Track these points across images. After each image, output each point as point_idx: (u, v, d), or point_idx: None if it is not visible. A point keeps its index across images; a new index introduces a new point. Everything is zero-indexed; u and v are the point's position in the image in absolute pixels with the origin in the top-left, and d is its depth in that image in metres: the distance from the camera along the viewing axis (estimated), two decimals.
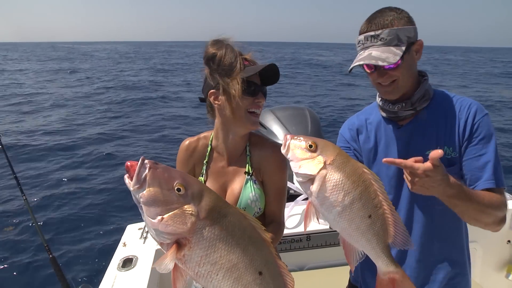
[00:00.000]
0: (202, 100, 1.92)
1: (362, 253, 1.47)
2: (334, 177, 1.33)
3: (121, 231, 3.32)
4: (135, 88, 25.05)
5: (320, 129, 3.41)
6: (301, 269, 3.28)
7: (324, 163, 1.34)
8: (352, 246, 1.46)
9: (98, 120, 15.58)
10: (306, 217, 1.39)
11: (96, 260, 5.56)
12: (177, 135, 13.07)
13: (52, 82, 28.76)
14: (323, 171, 1.33)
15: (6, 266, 5.73)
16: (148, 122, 15.45)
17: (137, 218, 3.61)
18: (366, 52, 1.65)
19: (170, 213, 1.16)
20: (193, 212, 1.18)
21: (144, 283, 2.55)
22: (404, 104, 1.72)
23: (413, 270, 1.82)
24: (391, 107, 1.75)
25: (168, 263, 1.17)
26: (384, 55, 1.61)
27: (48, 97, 21.37)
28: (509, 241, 3.66)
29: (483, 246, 3.53)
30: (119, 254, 2.91)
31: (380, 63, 1.60)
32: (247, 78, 1.72)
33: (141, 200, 1.16)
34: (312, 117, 3.41)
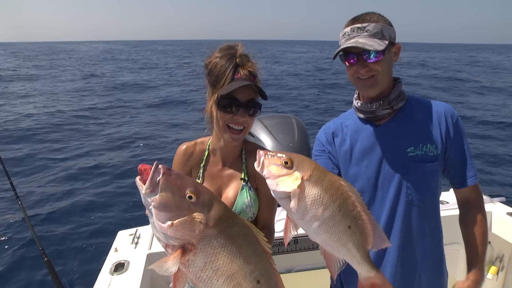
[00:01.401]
0: None
1: (343, 261, 1.49)
2: (312, 192, 1.33)
3: (113, 235, 3.39)
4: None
5: (306, 137, 3.46)
6: (289, 271, 3.36)
7: (302, 179, 1.33)
8: (333, 256, 1.47)
9: (95, 122, 15.57)
10: (285, 232, 1.41)
11: (89, 264, 5.60)
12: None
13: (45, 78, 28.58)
14: (301, 187, 1.33)
15: (1, 269, 5.76)
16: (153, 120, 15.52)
17: (129, 224, 3.68)
18: (353, 40, 1.72)
19: (180, 219, 1.18)
20: (202, 220, 1.21)
21: (136, 287, 2.63)
22: (381, 102, 1.80)
23: (393, 267, 1.87)
24: (368, 106, 1.82)
25: (171, 266, 1.20)
26: (370, 42, 1.69)
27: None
28: (489, 242, 3.77)
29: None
30: (111, 259, 2.98)
31: (368, 47, 1.67)
32: (227, 94, 1.70)
33: (152, 204, 1.18)
34: (299, 125, 3.46)
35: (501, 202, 3.84)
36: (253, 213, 1.92)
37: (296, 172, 1.35)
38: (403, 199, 1.82)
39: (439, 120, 1.81)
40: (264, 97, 1.79)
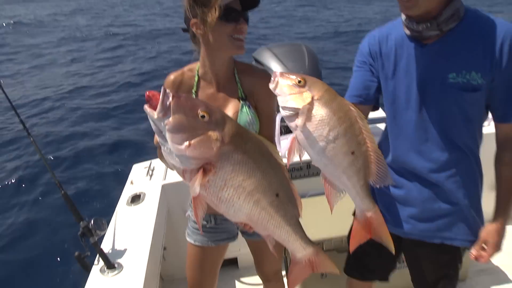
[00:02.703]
0: (185, 30, 1.93)
1: (343, 192, 1.50)
2: (320, 112, 1.34)
3: (128, 169, 3.48)
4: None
5: (317, 65, 3.40)
6: (302, 196, 3.34)
7: (312, 98, 1.34)
8: (333, 186, 1.49)
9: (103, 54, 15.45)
10: (289, 152, 1.41)
11: (106, 197, 5.77)
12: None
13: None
14: (310, 105, 1.33)
15: (20, 208, 5.95)
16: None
17: (143, 157, 3.74)
18: None
19: (197, 139, 1.19)
20: (217, 137, 1.22)
21: (152, 216, 2.70)
22: (429, 24, 1.62)
23: (427, 192, 1.85)
24: (415, 26, 1.67)
25: (195, 187, 1.23)
26: None
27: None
28: None
29: None
30: (128, 191, 3.06)
31: None
32: (225, 4, 1.71)
33: (167, 127, 1.18)
34: (310, 53, 3.38)
35: None
36: (256, 131, 1.94)
37: (307, 92, 1.34)
38: (440, 126, 1.74)
39: (493, 43, 1.59)
40: (257, 2, 1.80)
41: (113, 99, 10.60)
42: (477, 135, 1.82)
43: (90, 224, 2.17)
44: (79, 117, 9.32)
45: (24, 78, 13.05)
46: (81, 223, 2.16)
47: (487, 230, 1.83)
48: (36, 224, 5.52)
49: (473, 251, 1.85)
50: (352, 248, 1.69)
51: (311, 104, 1.33)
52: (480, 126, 1.83)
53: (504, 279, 3.34)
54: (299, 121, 1.33)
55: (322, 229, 2.44)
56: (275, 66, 3.33)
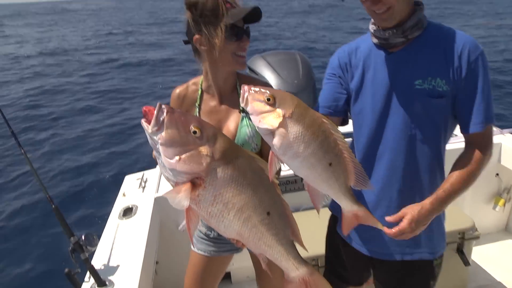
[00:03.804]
0: (186, 42, 1.94)
1: (327, 196, 1.51)
2: (293, 129, 1.33)
3: (120, 181, 3.41)
4: None
5: (311, 73, 3.37)
6: (297, 210, 3.34)
7: (283, 116, 1.33)
8: (317, 190, 1.49)
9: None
10: (270, 166, 1.39)
11: (98, 210, 5.69)
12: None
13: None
14: (283, 125, 1.32)
15: (10, 220, 5.88)
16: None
17: (135, 168, 3.71)
18: None
19: (187, 154, 1.22)
20: (208, 153, 1.25)
21: (145, 230, 2.65)
22: (395, 31, 1.68)
23: (394, 200, 1.83)
24: (381, 33, 1.72)
25: (182, 199, 1.23)
26: None
27: None
28: (497, 174, 3.78)
29: None
30: (119, 203, 3.00)
31: None
32: (231, 24, 1.73)
33: (159, 141, 1.21)
34: (303, 61, 3.36)
35: None
36: (256, 144, 1.94)
37: (278, 109, 1.33)
38: (407, 133, 1.75)
39: (455, 54, 1.65)
40: (260, 18, 1.82)
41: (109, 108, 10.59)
42: (442, 144, 1.80)
43: (81, 240, 2.12)
44: (70, 128, 9.26)
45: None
46: (72, 238, 2.10)
47: (411, 206, 1.67)
48: (25, 238, 5.45)
49: (386, 219, 1.68)
50: (345, 232, 1.68)
51: (283, 123, 1.32)
52: (446, 137, 1.80)
53: None
54: (274, 141, 1.32)
55: (316, 244, 2.38)
56: (268, 75, 3.31)
